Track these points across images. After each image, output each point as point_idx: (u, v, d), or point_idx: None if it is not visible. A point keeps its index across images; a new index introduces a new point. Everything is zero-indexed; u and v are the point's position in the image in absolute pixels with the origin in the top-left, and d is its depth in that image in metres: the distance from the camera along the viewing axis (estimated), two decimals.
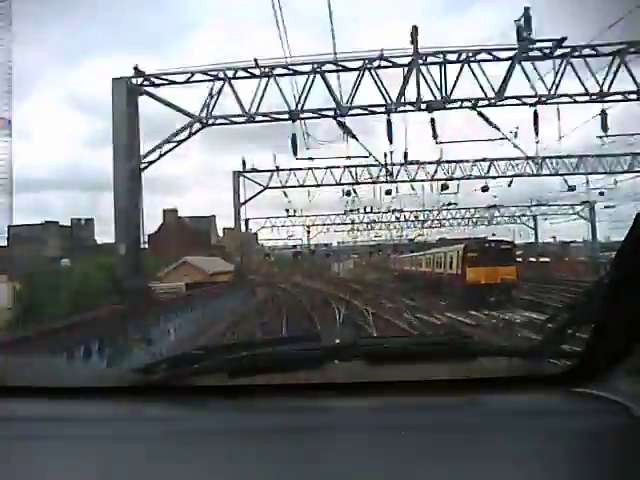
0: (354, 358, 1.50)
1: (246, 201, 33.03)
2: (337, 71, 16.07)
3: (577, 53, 15.55)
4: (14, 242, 53.24)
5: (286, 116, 16.32)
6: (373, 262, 71.15)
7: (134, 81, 15.96)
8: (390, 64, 15.96)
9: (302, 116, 16.57)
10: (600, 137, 20.98)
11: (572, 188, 34.95)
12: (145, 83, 16.12)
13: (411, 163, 28.25)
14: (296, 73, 16.11)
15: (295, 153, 17.57)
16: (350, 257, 76.03)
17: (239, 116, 16.16)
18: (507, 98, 15.99)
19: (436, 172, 32.02)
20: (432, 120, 16.45)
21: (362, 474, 1.10)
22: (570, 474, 1.11)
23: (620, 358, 1.27)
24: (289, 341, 1.76)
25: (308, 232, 50.12)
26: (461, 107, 16.35)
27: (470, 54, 15.77)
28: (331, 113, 16.38)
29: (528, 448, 1.15)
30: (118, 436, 1.26)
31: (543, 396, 1.34)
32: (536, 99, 15.89)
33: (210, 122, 16.22)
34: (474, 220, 49.49)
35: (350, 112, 16.23)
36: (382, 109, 16.13)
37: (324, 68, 15.93)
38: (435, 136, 16.92)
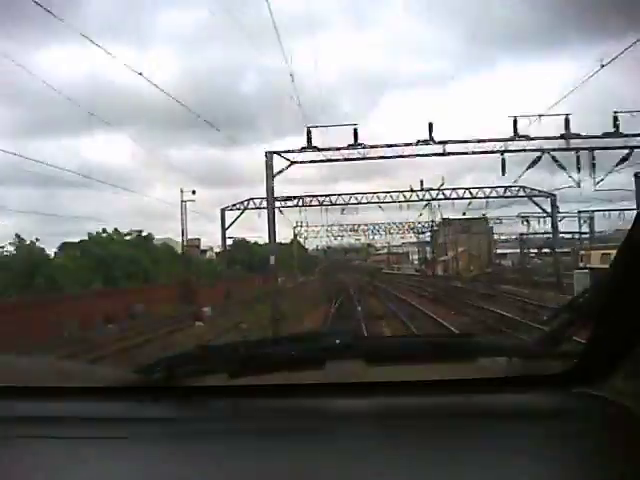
0: (354, 358, 1.49)
1: None
2: None
3: None
4: None
5: None
6: None
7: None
8: None
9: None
10: None
11: None
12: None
13: None
14: None
15: None
16: None
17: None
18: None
19: None
20: None
21: (362, 474, 1.10)
22: (570, 474, 1.11)
23: (620, 358, 1.27)
24: (289, 341, 1.75)
25: None
26: None
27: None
28: None
29: (528, 448, 1.14)
30: (118, 436, 1.26)
31: (543, 396, 1.34)
32: None
33: None
34: None
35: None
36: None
37: None
38: None
